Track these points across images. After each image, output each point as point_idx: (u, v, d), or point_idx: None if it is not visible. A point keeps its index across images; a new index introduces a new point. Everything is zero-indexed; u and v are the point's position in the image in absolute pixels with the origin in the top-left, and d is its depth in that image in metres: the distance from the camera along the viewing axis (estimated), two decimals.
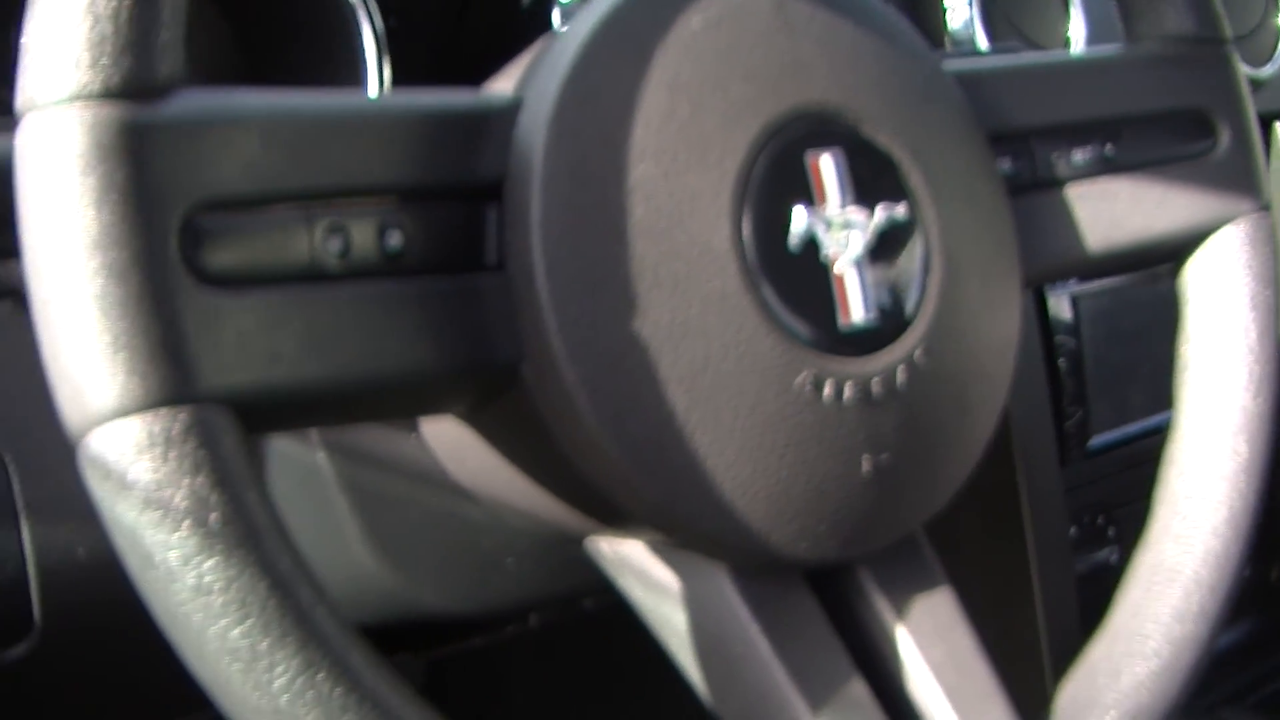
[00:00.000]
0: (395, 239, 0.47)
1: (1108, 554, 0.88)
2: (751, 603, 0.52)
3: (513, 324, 0.49)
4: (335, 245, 0.46)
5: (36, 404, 0.59)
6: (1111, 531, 0.88)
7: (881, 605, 0.55)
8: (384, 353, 0.46)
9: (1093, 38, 0.83)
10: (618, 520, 0.53)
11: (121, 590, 0.61)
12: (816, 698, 0.52)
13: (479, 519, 0.59)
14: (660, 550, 0.54)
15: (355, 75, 0.65)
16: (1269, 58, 1.07)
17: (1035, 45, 0.83)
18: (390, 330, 0.46)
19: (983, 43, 0.81)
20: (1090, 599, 0.86)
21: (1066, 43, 0.84)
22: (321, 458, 0.59)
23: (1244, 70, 0.67)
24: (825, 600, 0.55)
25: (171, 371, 0.41)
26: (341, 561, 0.60)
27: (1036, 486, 0.80)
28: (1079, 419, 0.84)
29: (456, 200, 0.49)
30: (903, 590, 0.55)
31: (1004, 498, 0.57)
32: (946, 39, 0.84)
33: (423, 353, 0.47)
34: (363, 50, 0.65)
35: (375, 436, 0.59)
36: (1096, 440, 0.86)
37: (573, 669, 1.11)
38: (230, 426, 0.41)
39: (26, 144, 0.42)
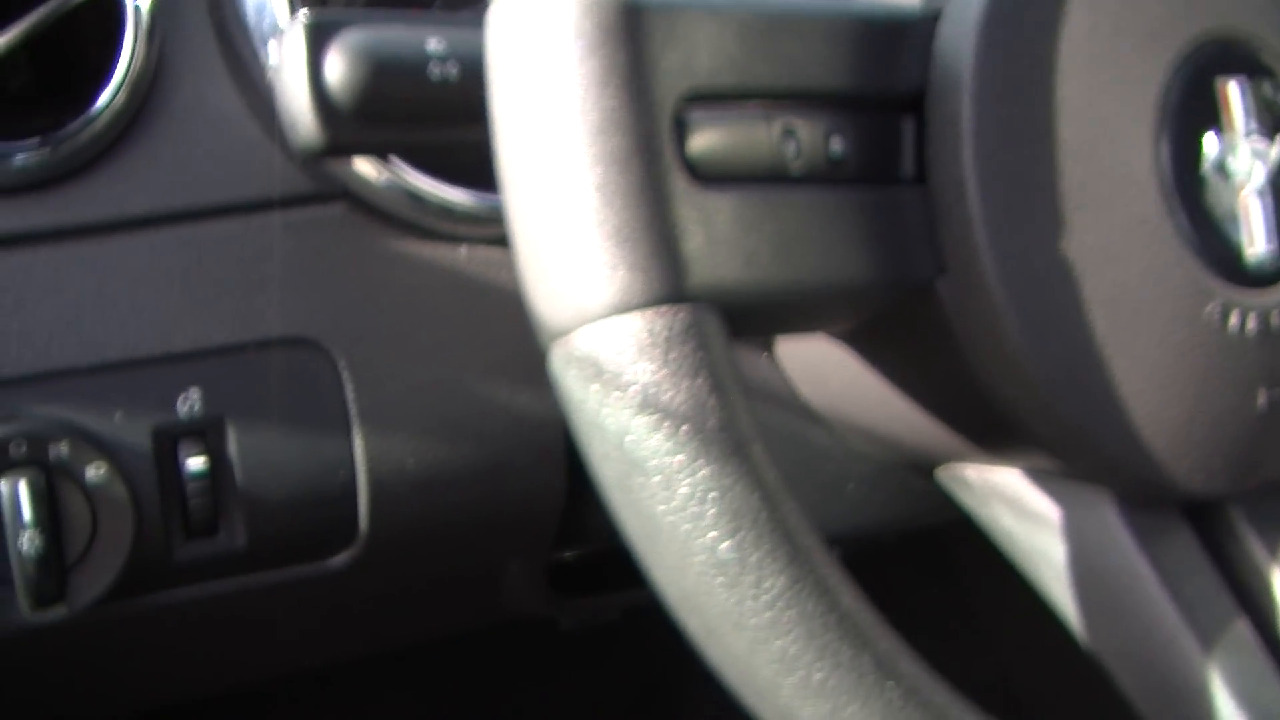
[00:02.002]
0: (838, 145, 0.46)
1: None
2: (1138, 535, 0.51)
3: (931, 239, 0.48)
4: (790, 148, 0.44)
5: (374, 310, 0.58)
6: None
7: (1254, 544, 0.54)
8: (833, 261, 0.45)
9: None
10: (1007, 444, 0.52)
11: (446, 505, 0.60)
12: (1205, 636, 0.51)
13: (823, 443, 0.58)
14: (1038, 478, 0.53)
15: None
16: None
17: None
18: (838, 238, 0.45)
19: None
20: None
21: None
22: None
23: None
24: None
25: (671, 268, 0.39)
26: None
27: None
28: None
29: (878, 110, 0.48)
30: (1276, 529, 0.54)
31: None
32: None
33: (861, 263, 0.46)
34: None
35: None
36: None
37: None
38: (720, 328, 0.40)
39: (508, 25, 0.40)
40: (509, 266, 0.60)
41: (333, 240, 0.58)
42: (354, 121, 0.47)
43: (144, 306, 0.56)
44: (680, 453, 0.39)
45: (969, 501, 0.56)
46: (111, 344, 0.56)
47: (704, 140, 0.42)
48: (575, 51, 0.39)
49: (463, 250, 0.60)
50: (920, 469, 0.57)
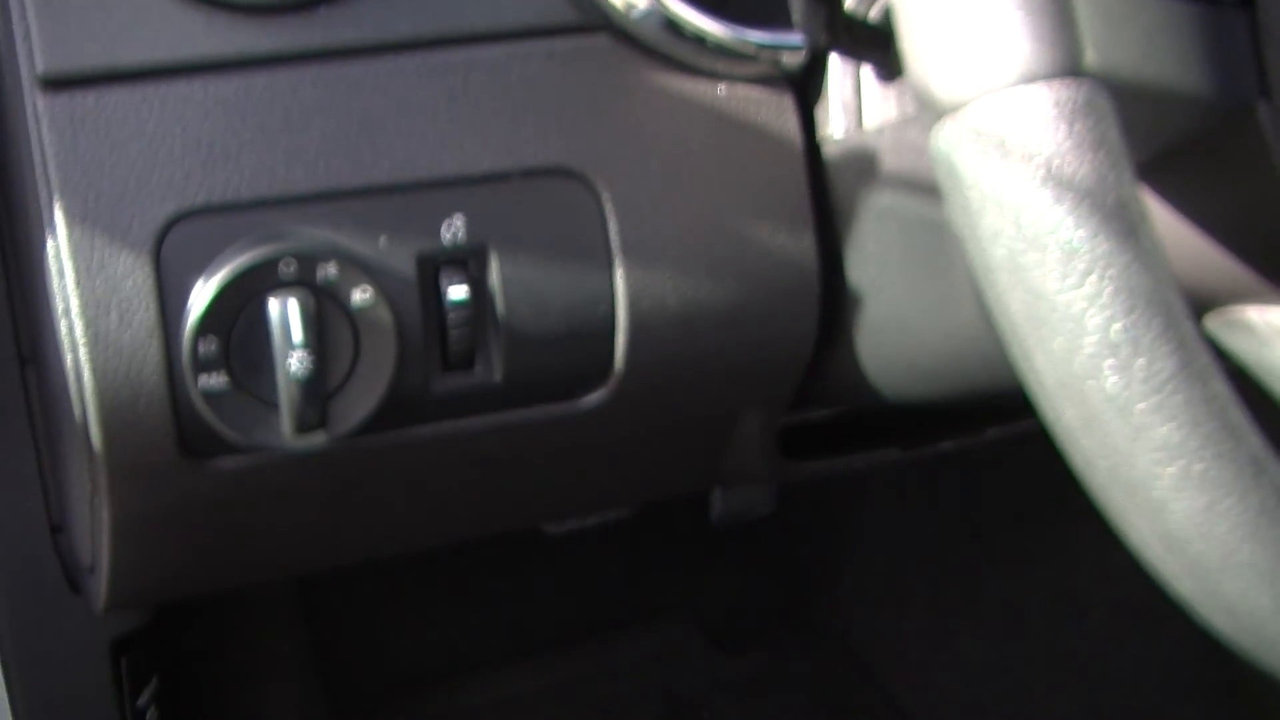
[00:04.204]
0: None
1: None
2: None
3: (1255, 62, 0.47)
4: None
5: (637, 143, 0.57)
6: None
7: None
8: (1179, 67, 0.45)
9: None
10: None
11: (700, 346, 0.59)
12: None
13: None
14: None
15: None
16: None
17: None
18: (1184, 46, 0.45)
19: None
20: None
21: None
22: None
23: None
24: None
25: (1075, 42, 0.39)
26: (948, 320, 0.58)
27: None
28: None
29: None
30: None
31: None
32: None
33: (1197, 75, 0.45)
34: None
35: None
36: None
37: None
38: (1113, 106, 0.39)
39: None
40: (768, 105, 0.60)
41: (596, 71, 0.57)
42: None
43: (410, 130, 0.55)
44: (1082, 227, 0.38)
45: (1246, 346, 0.55)
46: (378, 166, 0.55)
47: None
48: None
49: (721, 88, 0.59)
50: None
